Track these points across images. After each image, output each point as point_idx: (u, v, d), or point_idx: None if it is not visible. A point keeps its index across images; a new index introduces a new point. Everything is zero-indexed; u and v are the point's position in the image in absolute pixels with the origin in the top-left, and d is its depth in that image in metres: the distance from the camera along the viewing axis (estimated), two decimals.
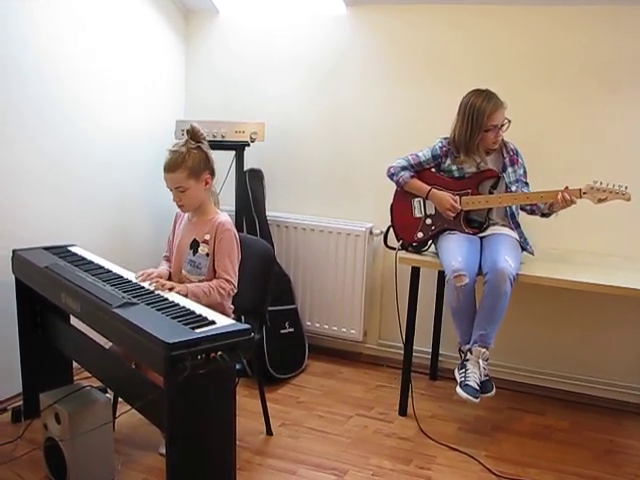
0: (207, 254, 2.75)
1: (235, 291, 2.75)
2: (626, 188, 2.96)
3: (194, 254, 2.77)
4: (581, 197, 3.02)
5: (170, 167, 2.69)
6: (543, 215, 3.20)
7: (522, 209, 3.28)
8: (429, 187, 3.25)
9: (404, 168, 3.29)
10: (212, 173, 2.78)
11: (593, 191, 3.00)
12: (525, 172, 3.28)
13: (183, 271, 2.79)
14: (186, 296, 2.57)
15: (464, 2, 3.54)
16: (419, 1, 3.63)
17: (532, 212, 3.24)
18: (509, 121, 3.16)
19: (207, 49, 4.22)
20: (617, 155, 3.40)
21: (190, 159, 2.69)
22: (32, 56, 3.17)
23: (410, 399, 3.33)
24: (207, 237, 2.75)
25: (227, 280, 2.70)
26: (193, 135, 2.74)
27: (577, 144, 3.47)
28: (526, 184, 3.26)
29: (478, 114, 3.11)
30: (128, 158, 3.84)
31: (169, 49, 4.13)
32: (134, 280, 2.61)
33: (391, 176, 3.32)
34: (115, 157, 3.74)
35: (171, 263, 2.91)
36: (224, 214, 2.83)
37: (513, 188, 3.19)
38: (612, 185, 2.98)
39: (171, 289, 2.54)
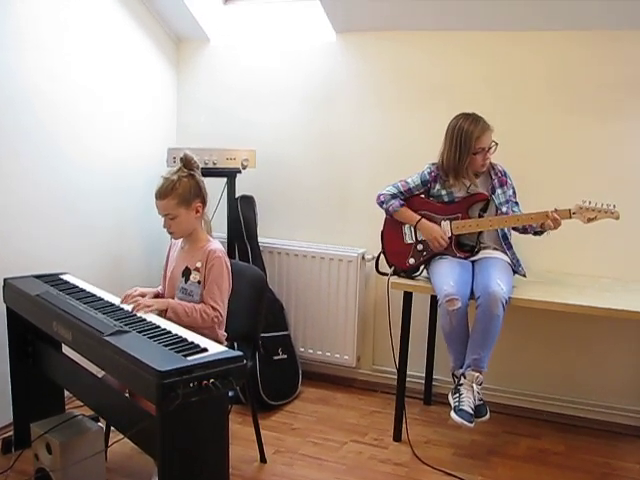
0: (199, 282, 2.74)
1: (221, 319, 2.73)
2: (614, 207, 2.99)
3: (186, 282, 2.77)
4: (570, 217, 3.04)
5: (160, 194, 2.69)
6: (535, 233, 3.21)
7: (514, 229, 3.28)
8: (418, 217, 3.26)
9: (394, 196, 3.30)
10: (203, 201, 2.78)
11: (582, 211, 3.02)
12: (514, 192, 3.31)
13: (175, 299, 2.78)
14: (165, 311, 2.59)
15: (453, 29, 3.59)
16: (407, 27, 3.67)
17: (524, 231, 3.25)
18: (496, 144, 3.18)
19: (198, 76, 4.25)
20: (605, 175, 3.42)
21: (181, 187, 2.69)
22: (23, 88, 3.18)
23: (404, 424, 3.31)
24: (198, 265, 2.75)
25: (212, 307, 2.69)
26: (186, 163, 2.74)
27: (567, 165, 3.49)
28: (516, 204, 3.29)
29: (466, 137, 3.14)
30: (120, 186, 3.84)
31: (160, 77, 4.16)
32: (124, 307, 2.61)
33: (381, 204, 3.32)
34: (107, 185, 3.75)
35: (164, 290, 2.91)
36: (216, 242, 2.83)
37: (503, 209, 3.21)
38: (601, 204, 3.00)
39: (148, 307, 2.55)
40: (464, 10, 3.45)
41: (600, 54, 3.39)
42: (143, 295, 2.74)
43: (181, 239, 2.87)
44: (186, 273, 2.77)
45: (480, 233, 3.26)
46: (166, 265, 2.95)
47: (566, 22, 3.35)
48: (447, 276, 3.07)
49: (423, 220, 3.25)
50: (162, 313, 2.60)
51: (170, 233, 2.80)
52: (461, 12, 3.47)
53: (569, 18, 3.32)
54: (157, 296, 2.87)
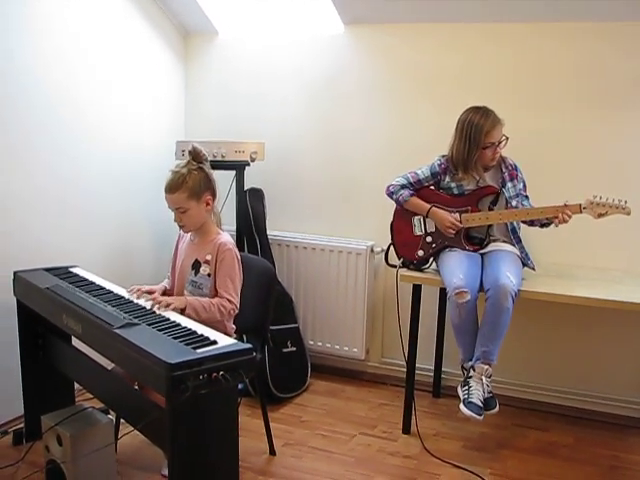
0: (209, 274, 2.74)
1: (236, 311, 2.74)
2: (625, 202, 2.97)
3: (196, 274, 2.77)
4: (581, 212, 3.02)
5: (171, 188, 2.69)
6: (542, 225, 3.19)
7: (522, 221, 3.26)
8: (429, 205, 3.25)
9: (403, 186, 3.29)
10: (213, 194, 2.78)
11: (593, 206, 3.00)
12: (525, 185, 3.28)
13: (185, 291, 2.79)
14: (184, 309, 2.57)
15: (461, 21, 3.57)
16: (416, 20, 3.66)
17: (532, 223, 3.22)
18: (507, 138, 3.16)
19: (206, 70, 4.25)
20: (616, 169, 3.41)
21: (191, 180, 2.69)
22: (38, 84, 3.21)
23: (413, 417, 3.31)
24: (209, 257, 2.75)
25: (229, 300, 2.69)
26: (195, 156, 2.74)
27: (576, 158, 3.48)
28: (526, 197, 3.26)
29: (476, 131, 3.12)
30: (129, 180, 3.86)
31: (169, 71, 4.16)
32: (134, 300, 2.61)
33: (390, 195, 3.32)
34: (116, 179, 3.76)
35: (173, 283, 2.92)
36: (226, 234, 2.84)
37: (513, 203, 3.19)
38: (612, 199, 2.98)
39: (168, 305, 2.53)
40: (472, 3, 3.43)
41: (611, 47, 3.37)
42: (151, 292, 2.71)
43: (190, 232, 2.87)
44: (196, 266, 2.78)
45: (490, 226, 3.25)
46: (175, 258, 2.96)
47: (581, 14, 3.33)
48: (456, 269, 3.07)
49: (434, 208, 3.24)
50: (181, 311, 2.59)
51: (181, 227, 2.80)
52: (470, 4, 3.45)
53: (584, 10, 3.30)
54: (164, 293, 2.85)
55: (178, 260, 2.91)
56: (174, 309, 2.54)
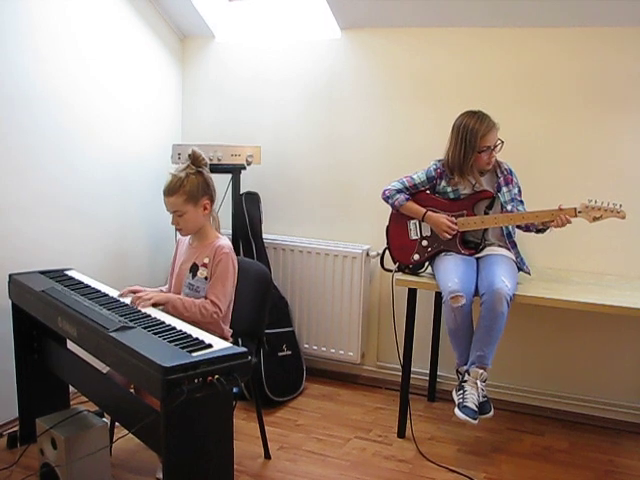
0: (206, 277, 2.74)
1: (220, 315, 2.71)
2: (620, 206, 2.98)
3: (193, 277, 2.77)
4: (576, 216, 3.03)
5: (169, 191, 2.70)
6: (538, 231, 3.21)
7: (518, 227, 3.27)
8: (424, 209, 3.26)
9: (399, 191, 3.30)
10: (211, 198, 2.79)
11: (588, 210, 3.01)
12: (520, 190, 3.29)
13: (182, 294, 2.79)
14: (164, 305, 2.60)
15: (457, 25, 3.58)
16: (412, 24, 3.67)
17: (527, 229, 3.24)
18: (502, 142, 3.17)
19: (203, 74, 4.25)
20: (611, 173, 3.41)
21: (189, 184, 2.69)
22: (35, 87, 3.21)
23: (409, 421, 3.31)
24: (206, 260, 2.75)
25: (213, 302, 2.67)
26: (194, 160, 2.75)
27: (575, 162, 3.48)
28: (521, 202, 3.27)
29: (471, 136, 3.12)
30: (125, 183, 3.85)
31: (165, 74, 4.16)
32: (129, 303, 2.61)
33: (386, 199, 3.32)
34: (113, 181, 3.76)
35: (171, 287, 2.92)
36: (224, 238, 2.84)
37: (508, 207, 3.20)
38: (607, 203, 2.99)
39: (149, 299, 2.56)
40: (469, 7, 3.44)
41: (609, 50, 3.37)
42: (136, 292, 2.70)
43: (189, 235, 2.87)
44: (194, 269, 2.78)
45: (485, 231, 3.25)
46: (174, 261, 2.96)
47: (581, 19, 3.34)
48: (452, 273, 3.07)
49: (429, 212, 3.25)
50: (164, 308, 2.60)
51: (178, 230, 2.81)
52: (466, 9, 3.46)
53: (584, 15, 3.31)
54: None
55: (177, 263, 2.91)
56: (155, 303, 2.57)
